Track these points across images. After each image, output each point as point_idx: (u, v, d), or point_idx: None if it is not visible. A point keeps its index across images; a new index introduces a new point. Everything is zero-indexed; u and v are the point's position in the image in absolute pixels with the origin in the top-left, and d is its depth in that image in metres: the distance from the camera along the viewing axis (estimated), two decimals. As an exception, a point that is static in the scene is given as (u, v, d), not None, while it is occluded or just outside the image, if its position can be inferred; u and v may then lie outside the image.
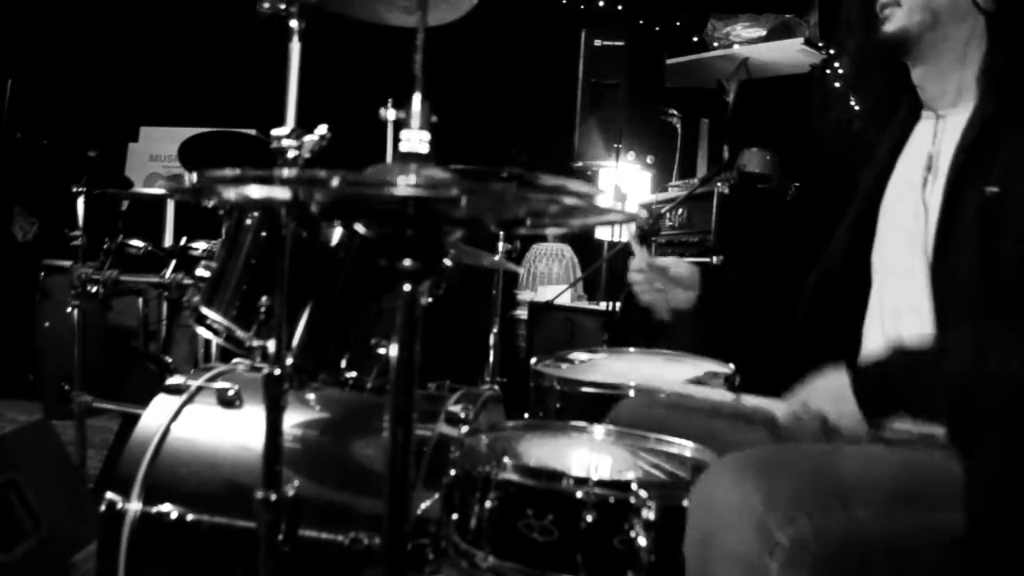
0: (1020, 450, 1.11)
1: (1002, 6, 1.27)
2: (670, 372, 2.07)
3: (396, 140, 0.92)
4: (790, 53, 3.96)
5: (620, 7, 4.99)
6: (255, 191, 0.73)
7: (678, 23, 4.71)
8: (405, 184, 0.66)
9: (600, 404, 1.62)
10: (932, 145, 1.32)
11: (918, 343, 1.19)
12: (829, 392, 1.20)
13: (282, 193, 0.76)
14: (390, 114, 1.09)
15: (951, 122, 1.31)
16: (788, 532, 0.99)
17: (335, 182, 0.66)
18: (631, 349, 2.44)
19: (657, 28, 4.66)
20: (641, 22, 4.74)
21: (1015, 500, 1.10)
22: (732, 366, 2.06)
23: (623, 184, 3.72)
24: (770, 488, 1.01)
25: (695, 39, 4.40)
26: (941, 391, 1.14)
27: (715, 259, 3.05)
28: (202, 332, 1.67)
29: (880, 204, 1.40)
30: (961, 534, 1.08)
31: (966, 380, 1.12)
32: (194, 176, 0.70)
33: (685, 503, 1.12)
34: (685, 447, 1.37)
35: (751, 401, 1.31)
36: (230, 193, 0.76)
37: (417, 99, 0.91)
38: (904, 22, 1.31)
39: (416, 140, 0.90)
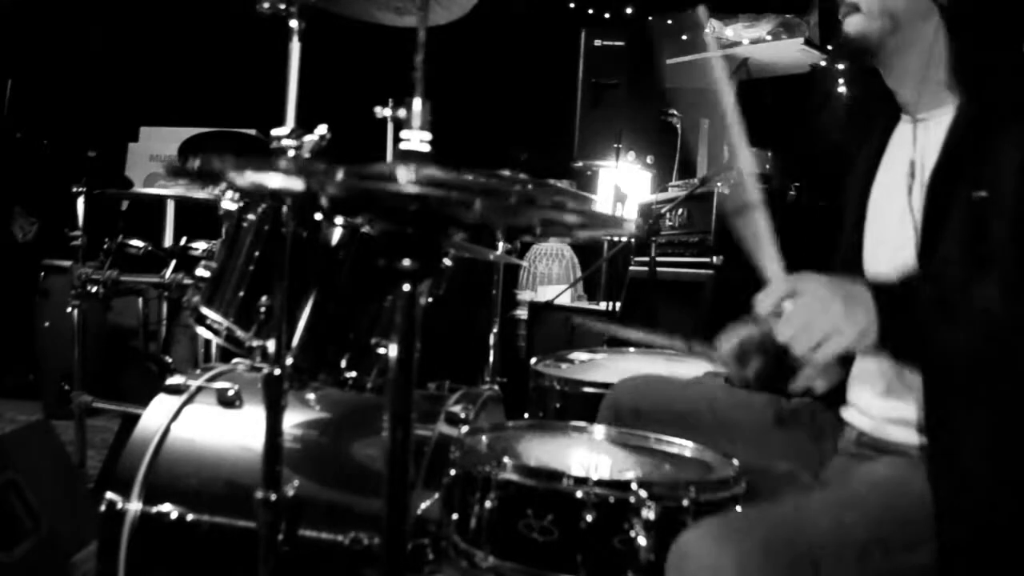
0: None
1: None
2: (670, 372, 2.07)
3: (396, 139, 0.93)
4: (790, 53, 3.95)
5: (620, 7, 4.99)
6: (265, 179, 0.72)
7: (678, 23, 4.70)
8: (412, 184, 0.66)
9: (600, 404, 1.62)
10: (913, 151, 1.29)
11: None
12: (834, 300, 1.09)
13: (294, 184, 0.75)
14: (387, 112, 1.09)
15: (932, 126, 1.27)
16: None
17: (341, 176, 0.66)
18: (631, 349, 2.44)
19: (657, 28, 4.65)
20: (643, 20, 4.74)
21: (984, 522, 1.11)
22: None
23: (623, 184, 3.72)
24: (741, 559, 1.00)
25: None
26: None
27: (715, 259, 3.04)
28: (202, 332, 1.66)
29: (866, 212, 1.38)
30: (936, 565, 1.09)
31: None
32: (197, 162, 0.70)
33: (685, 503, 1.12)
34: (685, 447, 1.37)
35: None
36: (240, 180, 0.75)
37: (418, 98, 0.91)
38: (863, 27, 1.27)
39: (416, 139, 0.90)
